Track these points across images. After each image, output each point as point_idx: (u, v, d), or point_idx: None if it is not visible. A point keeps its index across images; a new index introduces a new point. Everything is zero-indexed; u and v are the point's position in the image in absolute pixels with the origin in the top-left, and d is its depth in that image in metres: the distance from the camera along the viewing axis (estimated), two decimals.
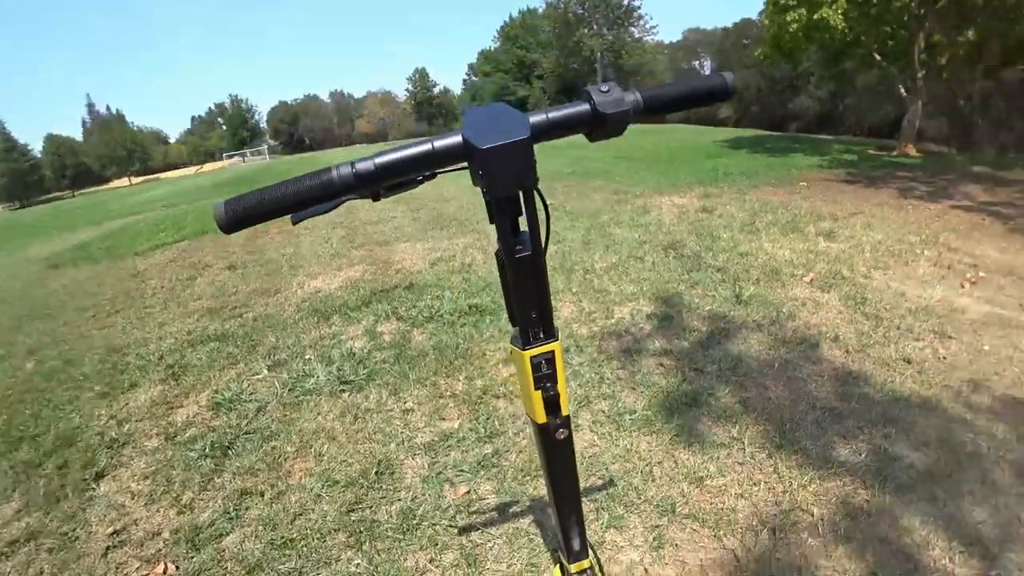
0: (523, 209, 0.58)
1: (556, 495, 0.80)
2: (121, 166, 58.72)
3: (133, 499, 1.84)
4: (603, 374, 2.36)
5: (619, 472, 1.75)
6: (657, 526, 1.52)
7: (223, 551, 1.56)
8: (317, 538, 1.56)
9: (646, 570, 1.39)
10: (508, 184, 0.53)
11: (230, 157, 45.04)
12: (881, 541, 1.44)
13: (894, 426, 1.90)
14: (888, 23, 9.39)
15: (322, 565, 1.47)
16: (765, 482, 1.67)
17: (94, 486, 1.95)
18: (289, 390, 2.44)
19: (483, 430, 2.03)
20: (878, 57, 10.07)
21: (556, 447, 0.71)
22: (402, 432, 2.07)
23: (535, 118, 0.56)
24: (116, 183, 57.66)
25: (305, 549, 1.52)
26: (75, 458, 2.11)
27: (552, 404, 0.65)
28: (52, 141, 58.90)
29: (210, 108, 68.51)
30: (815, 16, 8.91)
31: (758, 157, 9.38)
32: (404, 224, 5.86)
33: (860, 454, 1.77)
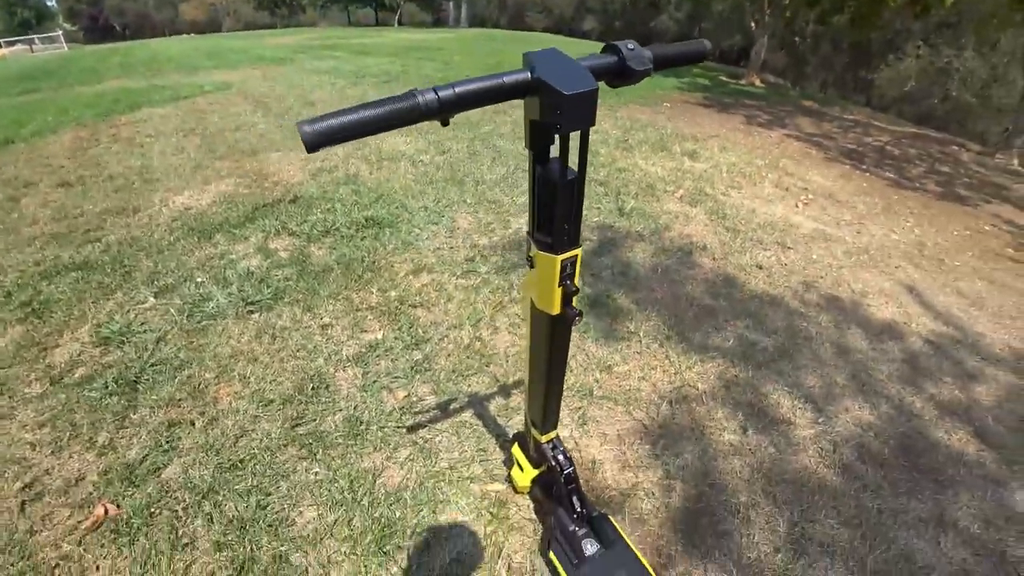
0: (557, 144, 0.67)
1: (549, 376, 0.96)
2: None
3: (34, 450, 1.68)
4: (511, 281, 2.54)
5: None
6: (580, 407, 1.79)
7: (167, 483, 1.52)
8: (267, 455, 1.59)
9: (576, 442, 1.65)
10: (579, 123, 0.62)
11: (11, 45, 35.80)
12: (748, 405, 1.86)
13: (752, 318, 2.35)
14: None
15: (280, 478, 1.52)
16: (660, 367, 2.01)
17: None
18: (188, 316, 2.29)
19: (408, 338, 2.12)
20: None
21: (562, 334, 0.85)
22: (326, 347, 2.09)
23: (584, 64, 0.64)
24: None
25: (257, 467, 1.55)
26: None
27: (569, 297, 0.79)
28: None
29: None
30: None
31: None
32: (270, 131, 5.33)
33: (729, 340, 2.19)
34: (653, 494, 1.50)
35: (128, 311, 2.36)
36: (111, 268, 2.74)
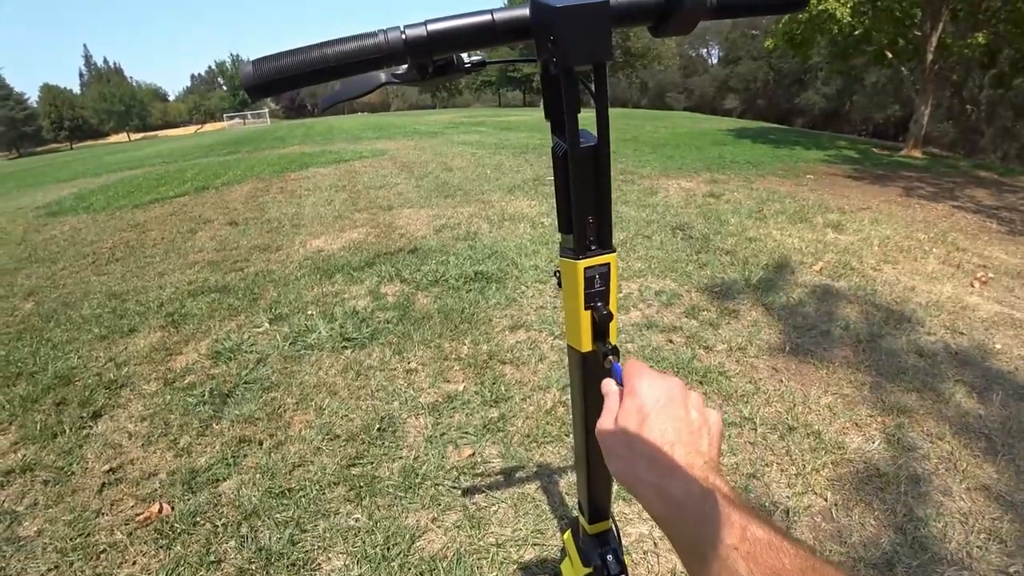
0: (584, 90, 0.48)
1: (588, 444, 0.69)
2: (119, 121, 58.21)
3: (130, 439, 1.80)
4: None
5: None
6: None
7: (219, 496, 1.51)
8: (316, 490, 1.52)
9: (656, 543, 1.36)
10: (584, 53, 0.43)
11: (231, 118, 44.51)
12: (896, 528, 1.42)
13: (908, 416, 1.87)
14: (898, 20, 9.27)
15: (320, 517, 1.43)
16: (777, 463, 1.64)
17: (91, 424, 1.91)
18: (290, 344, 2.39)
19: (489, 394, 1.99)
20: (890, 55, 9.91)
21: (598, 383, 0.57)
22: (405, 391, 2.03)
23: None
24: (114, 138, 57.50)
25: (303, 500, 1.48)
26: (73, 396, 2.06)
27: (602, 327, 0.56)
28: (49, 91, 57.74)
29: (210, 67, 67.62)
30: (820, 7, 8.91)
31: (763, 148, 9.29)
32: (408, 190, 5.77)
33: (874, 441, 1.74)
34: None
35: (244, 332, 2.53)
36: (243, 293, 3.00)
